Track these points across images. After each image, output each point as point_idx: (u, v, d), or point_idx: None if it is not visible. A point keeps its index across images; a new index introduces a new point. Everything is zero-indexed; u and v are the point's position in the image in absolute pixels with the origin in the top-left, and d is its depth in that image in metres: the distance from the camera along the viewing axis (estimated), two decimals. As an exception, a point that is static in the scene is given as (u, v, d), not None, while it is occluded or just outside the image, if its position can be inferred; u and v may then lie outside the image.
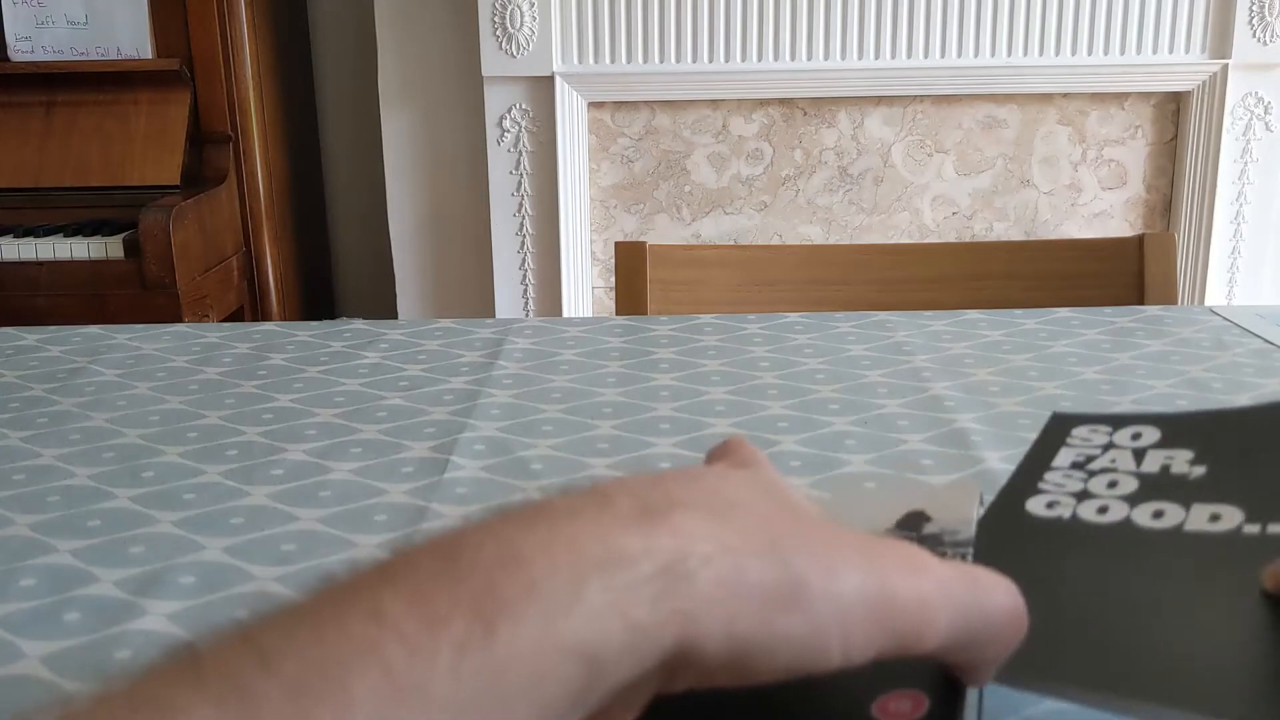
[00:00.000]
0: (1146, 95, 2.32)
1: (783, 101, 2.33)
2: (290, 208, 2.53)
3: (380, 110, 2.43)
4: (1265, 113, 2.29)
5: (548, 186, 2.35)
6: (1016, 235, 2.38)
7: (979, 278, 1.11)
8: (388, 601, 0.24)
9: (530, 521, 0.27)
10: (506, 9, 2.22)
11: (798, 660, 0.27)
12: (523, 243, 2.39)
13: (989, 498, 0.46)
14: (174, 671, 0.23)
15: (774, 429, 0.66)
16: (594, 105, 2.34)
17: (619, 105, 2.34)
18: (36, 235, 2.01)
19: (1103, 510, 0.39)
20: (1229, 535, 0.37)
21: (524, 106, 2.31)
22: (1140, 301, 1.08)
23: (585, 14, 2.26)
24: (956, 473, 0.59)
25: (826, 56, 2.27)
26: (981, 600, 0.30)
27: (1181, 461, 0.42)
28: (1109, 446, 0.44)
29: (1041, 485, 0.42)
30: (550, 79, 2.27)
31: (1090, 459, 0.43)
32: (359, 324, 0.90)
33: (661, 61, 2.27)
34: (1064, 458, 0.44)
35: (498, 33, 2.24)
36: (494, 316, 1.74)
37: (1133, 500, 0.40)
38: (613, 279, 1.73)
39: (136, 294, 1.99)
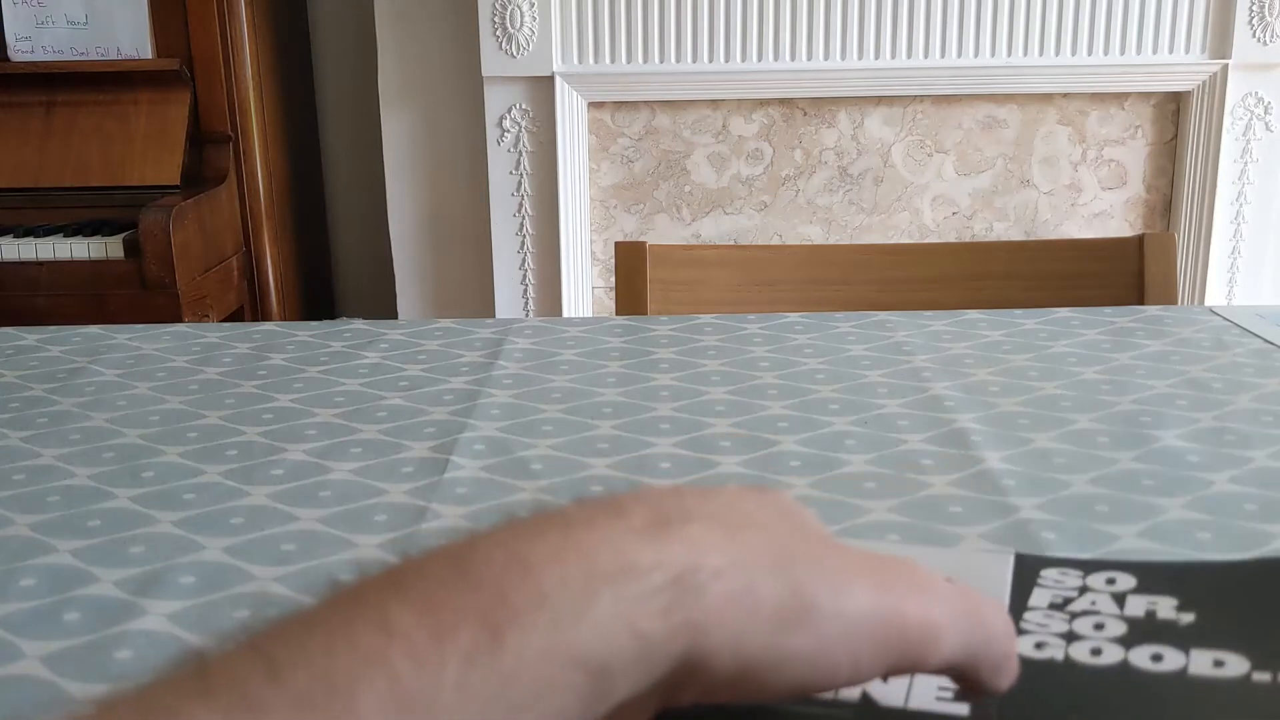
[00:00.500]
0: (1146, 95, 2.32)
1: (783, 101, 2.33)
2: (290, 208, 2.53)
3: (380, 110, 2.43)
4: (1265, 113, 2.29)
5: (548, 186, 2.35)
6: (1016, 235, 2.38)
7: (979, 278, 1.11)
8: (396, 611, 0.24)
9: (540, 530, 0.27)
10: (506, 9, 2.22)
11: (805, 678, 0.27)
12: (523, 243, 2.39)
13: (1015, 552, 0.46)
14: (181, 680, 0.23)
15: (774, 429, 0.66)
16: (594, 105, 2.34)
17: (619, 105, 2.34)
18: (36, 235, 2.01)
19: (1096, 652, 0.38)
20: (1239, 682, 0.36)
21: (524, 106, 2.31)
22: (1140, 301, 1.08)
23: (585, 14, 2.26)
24: (956, 473, 0.59)
25: (826, 56, 2.27)
26: (983, 619, 0.30)
27: (1167, 608, 0.41)
28: (1084, 590, 0.43)
29: (1024, 625, 0.40)
30: (550, 79, 2.27)
31: (1068, 600, 0.42)
32: (359, 324, 0.90)
33: (661, 61, 2.27)
34: (1040, 598, 0.42)
35: (498, 33, 2.24)
36: (494, 316, 1.74)
37: (1125, 643, 0.38)
38: (613, 279, 1.73)
39: (136, 294, 1.99)
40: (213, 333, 0.88)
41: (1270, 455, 0.61)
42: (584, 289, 2.42)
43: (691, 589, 0.26)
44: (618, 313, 1.07)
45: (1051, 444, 0.63)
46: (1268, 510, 0.54)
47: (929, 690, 0.36)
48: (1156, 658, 0.37)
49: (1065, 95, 2.31)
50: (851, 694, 0.35)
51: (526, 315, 2.42)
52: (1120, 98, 2.32)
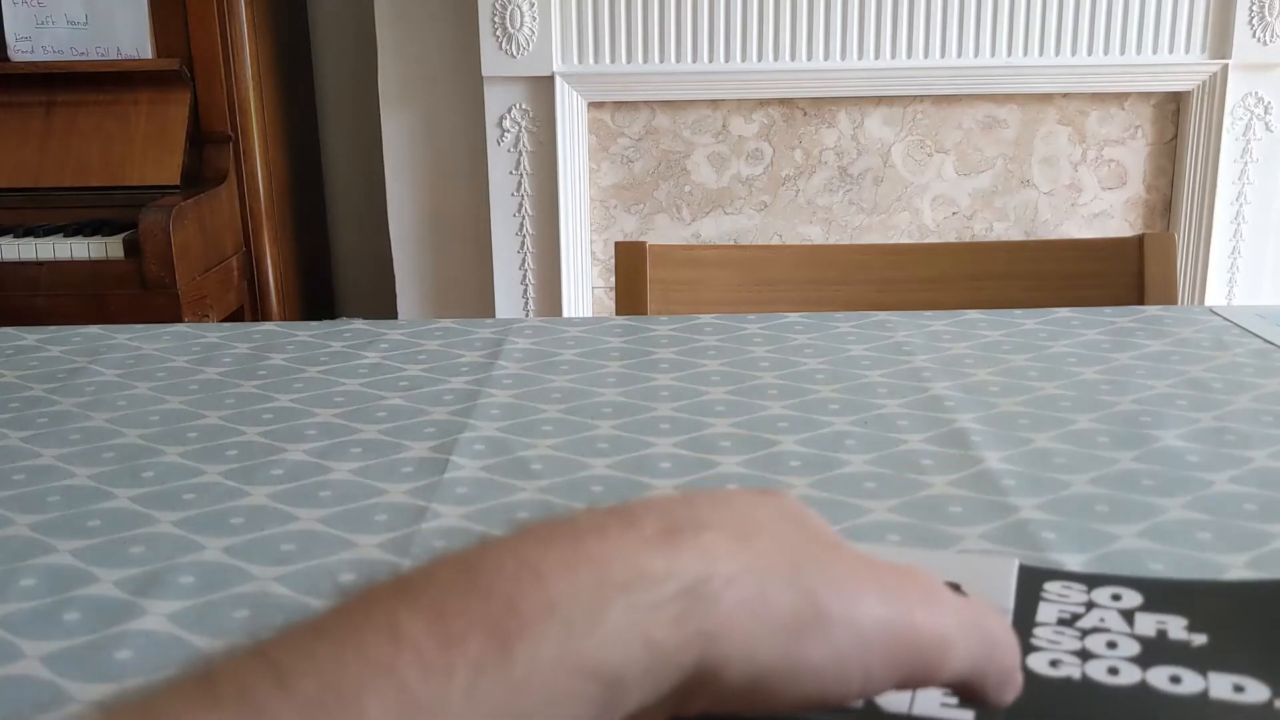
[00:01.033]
0: (1146, 95, 2.32)
1: (783, 101, 2.33)
2: (290, 208, 2.53)
3: (380, 110, 2.43)
4: (1265, 113, 2.29)
5: (548, 186, 2.35)
6: (1016, 235, 2.38)
7: (979, 278, 1.11)
8: (405, 619, 0.24)
9: (551, 538, 0.27)
10: (506, 9, 2.22)
11: (819, 687, 0.27)
12: (523, 243, 2.39)
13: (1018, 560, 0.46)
14: (187, 687, 0.22)
15: (774, 429, 0.66)
16: (594, 105, 2.34)
17: (619, 105, 2.34)
18: (36, 235, 2.01)
19: (1113, 671, 0.38)
20: (1262, 709, 0.35)
21: (524, 106, 2.31)
22: (1140, 301, 1.08)
23: (585, 14, 2.26)
24: (956, 473, 0.59)
25: (826, 56, 2.27)
26: (990, 631, 0.31)
27: (1177, 628, 0.40)
28: (1091, 605, 0.42)
29: (1035, 641, 0.40)
30: (550, 79, 2.27)
31: (1076, 616, 0.42)
32: (359, 324, 0.90)
33: (661, 61, 2.27)
34: (1047, 613, 0.42)
35: (498, 33, 2.24)
36: (494, 316, 1.74)
37: (1141, 663, 0.38)
38: (613, 279, 1.73)
39: (136, 294, 1.99)
40: (213, 333, 0.88)
41: (1270, 455, 0.61)
42: (584, 289, 2.42)
43: (705, 598, 0.26)
44: (618, 313, 1.07)
45: (1051, 444, 0.63)
46: (1268, 510, 0.54)
47: (933, 697, 0.36)
48: (1175, 680, 0.37)
49: (1065, 95, 2.31)
50: (856, 700, 0.35)
51: (526, 315, 2.42)
52: (1120, 98, 2.32)
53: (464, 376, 0.77)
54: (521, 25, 2.23)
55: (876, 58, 2.27)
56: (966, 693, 0.31)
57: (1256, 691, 0.36)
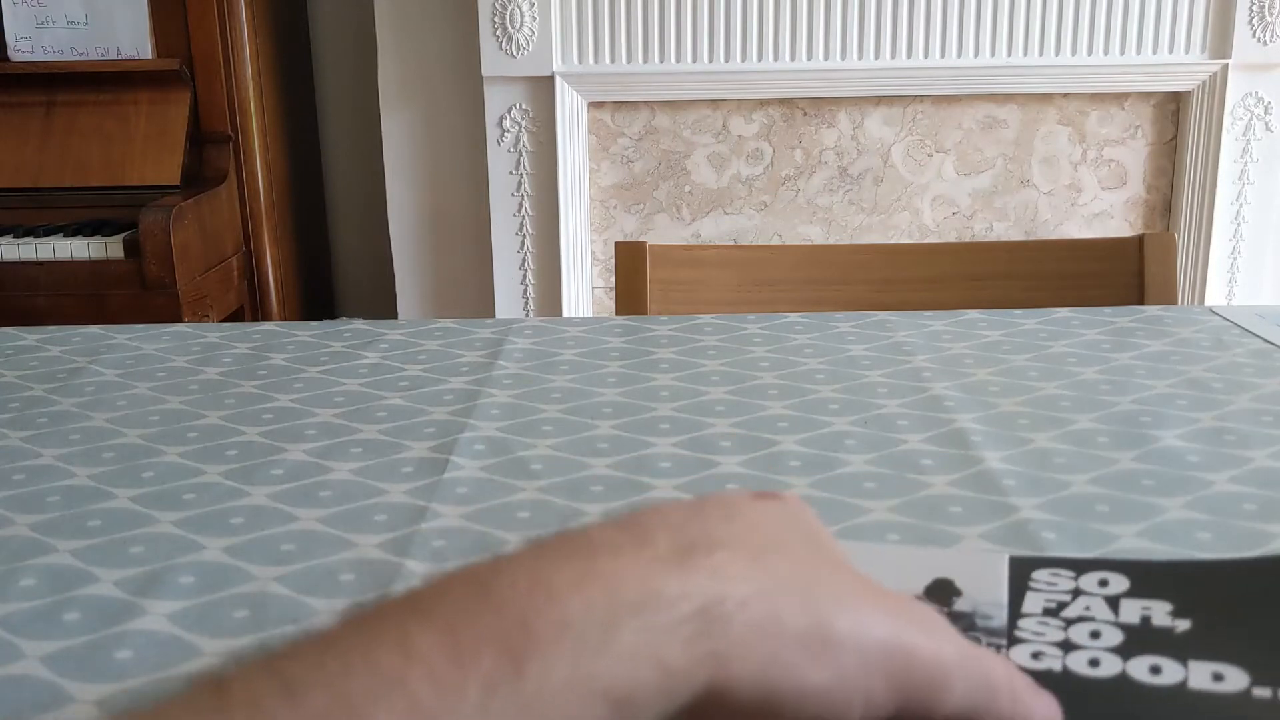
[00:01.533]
0: (1146, 95, 2.32)
1: (783, 101, 2.33)
2: (290, 208, 2.53)
3: (380, 110, 2.43)
4: (1265, 113, 2.29)
5: (548, 186, 2.35)
6: (1016, 235, 2.38)
7: (979, 278, 1.11)
8: (416, 633, 0.24)
9: (565, 556, 0.27)
10: (506, 9, 2.22)
11: (825, 709, 0.27)
12: (523, 243, 2.39)
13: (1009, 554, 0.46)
14: (198, 698, 0.22)
15: (774, 429, 0.66)
16: (594, 105, 2.34)
17: (619, 105, 2.34)
18: (36, 235, 2.01)
19: (1094, 663, 0.38)
20: (1239, 698, 0.35)
21: (524, 106, 2.31)
22: (1140, 301, 1.08)
23: (585, 14, 2.26)
24: (956, 473, 0.59)
25: (826, 56, 2.27)
26: (990, 674, 0.31)
27: (1162, 614, 0.40)
28: (1077, 593, 0.42)
29: (1019, 633, 0.40)
30: (550, 79, 2.27)
31: (1061, 605, 0.42)
32: (359, 324, 0.90)
33: (661, 61, 2.27)
34: (1033, 603, 0.42)
35: (498, 33, 2.24)
36: (494, 316, 1.74)
37: (1123, 653, 0.38)
38: (613, 279, 1.73)
39: (136, 294, 1.99)
40: (213, 333, 0.88)
41: (1270, 455, 0.61)
42: (584, 289, 2.42)
43: (717, 620, 0.26)
44: (618, 313, 1.07)
45: (1051, 444, 0.63)
46: (1268, 510, 0.54)
47: None
48: (1155, 670, 0.37)
49: (1065, 95, 2.31)
50: None
51: (526, 315, 2.42)
52: (1120, 98, 2.32)
53: (464, 376, 0.77)
54: (521, 25, 2.23)
55: (876, 58, 2.27)
56: None
57: (1236, 679, 0.36)
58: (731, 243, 2.38)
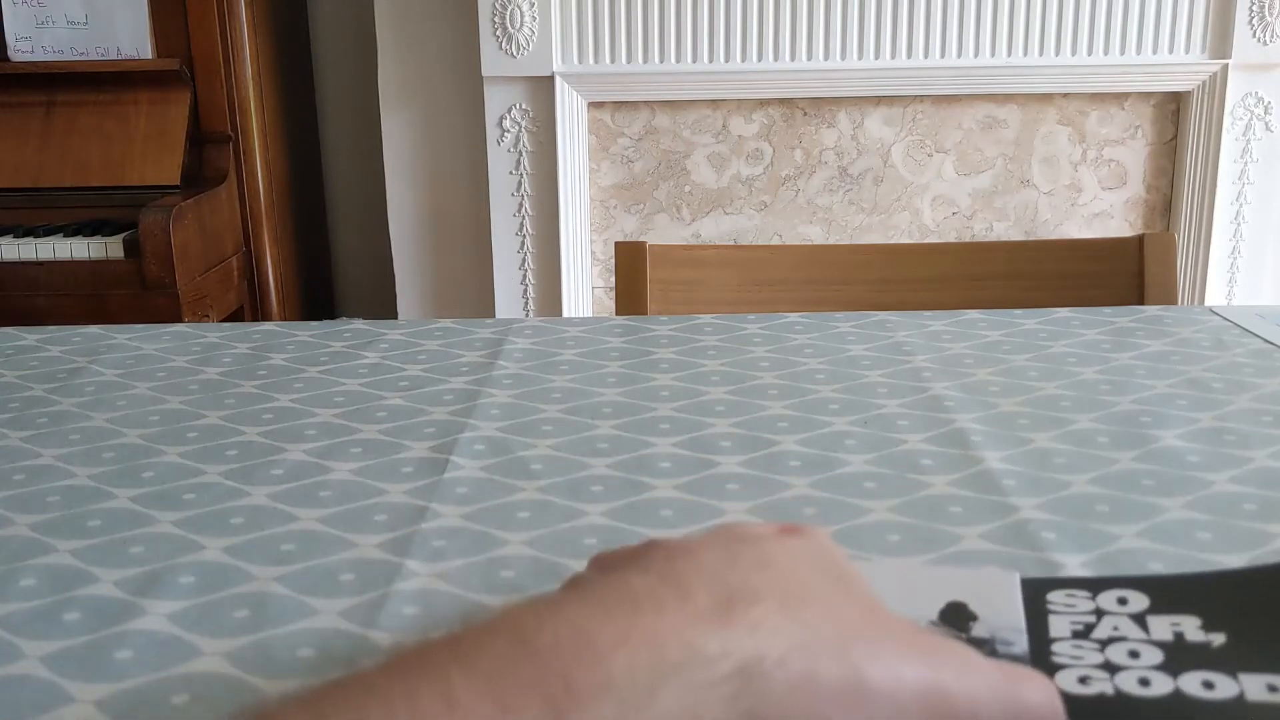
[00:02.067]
0: (1146, 95, 2.32)
1: (783, 101, 2.33)
2: (290, 208, 2.53)
3: (380, 110, 2.43)
4: (1265, 113, 2.29)
5: (548, 186, 2.35)
6: (1016, 235, 2.38)
7: (979, 278, 1.11)
8: (459, 682, 0.24)
9: (607, 609, 0.27)
10: (506, 9, 2.22)
11: None
12: (523, 243, 2.39)
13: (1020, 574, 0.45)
14: None
15: (774, 429, 0.66)
16: (594, 105, 2.34)
17: (619, 105, 2.34)
18: (36, 235, 2.01)
19: (1145, 683, 0.37)
20: None
21: (524, 106, 2.31)
22: (1140, 301, 1.08)
23: (585, 14, 2.26)
24: (956, 473, 0.59)
25: (826, 56, 2.27)
26: (1022, 698, 0.31)
27: (1193, 629, 0.40)
28: (1100, 613, 0.42)
29: (1055, 659, 0.39)
30: (550, 79, 2.27)
31: (1089, 627, 0.41)
32: (359, 324, 0.90)
33: (661, 61, 2.27)
34: (1059, 627, 0.41)
35: (498, 33, 2.24)
36: (494, 316, 1.74)
37: (1170, 670, 0.37)
38: (613, 279, 1.73)
39: (136, 294, 1.99)
40: (213, 333, 0.88)
41: (1270, 455, 0.61)
42: (584, 289, 2.42)
43: (756, 678, 0.27)
44: (618, 313, 1.07)
45: (1051, 444, 0.63)
46: (1268, 510, 0.54)
47: None
48: (1208, 685, 0.37)
49: (1065, 95, 2.31)
50: None
51: (526, 315, 2.42)
52: (1120, 98, 2.32)
53: (464, 376, 0.77)
54: (521, 25, 2.23)
55: (876, 58, 2.27)
56: None
57: None
58: (731, 243, 2.38)
